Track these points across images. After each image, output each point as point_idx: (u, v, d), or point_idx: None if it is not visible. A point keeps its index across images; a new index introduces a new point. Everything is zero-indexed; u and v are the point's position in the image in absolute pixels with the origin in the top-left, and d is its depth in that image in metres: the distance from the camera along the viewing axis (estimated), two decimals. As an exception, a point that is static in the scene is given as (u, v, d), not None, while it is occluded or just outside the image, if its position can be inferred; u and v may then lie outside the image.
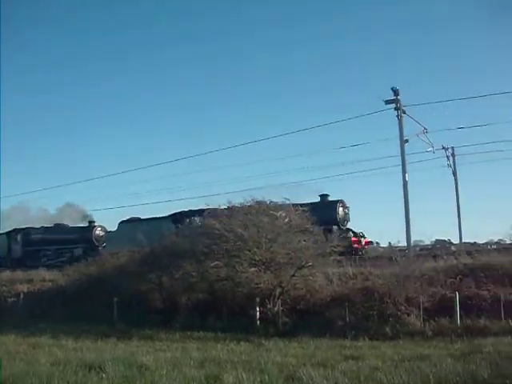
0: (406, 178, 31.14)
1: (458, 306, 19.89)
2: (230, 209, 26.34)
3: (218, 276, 24.07)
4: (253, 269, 23.14)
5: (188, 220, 39.26)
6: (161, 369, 13.75)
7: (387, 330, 19.80)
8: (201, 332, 21.84)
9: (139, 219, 46.89)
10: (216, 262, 23.70)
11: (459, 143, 51.82)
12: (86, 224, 52.77)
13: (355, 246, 36.82)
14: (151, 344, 19.85)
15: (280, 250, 23.44)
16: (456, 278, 22.02)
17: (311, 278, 23.42)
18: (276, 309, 22.52)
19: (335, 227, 36.11)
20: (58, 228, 53.81)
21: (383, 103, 31.26)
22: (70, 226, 54.97)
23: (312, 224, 24.61)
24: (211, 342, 19.89)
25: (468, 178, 77.02)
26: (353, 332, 19.90)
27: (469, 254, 25.56)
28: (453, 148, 44.28)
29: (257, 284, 22.68)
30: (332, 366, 13.69)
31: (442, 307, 20.49)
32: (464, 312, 19.88)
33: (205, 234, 25.38)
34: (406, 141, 31.18)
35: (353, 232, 38.45)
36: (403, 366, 13.55)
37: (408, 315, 20.40)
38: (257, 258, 23.35)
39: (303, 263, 23.36)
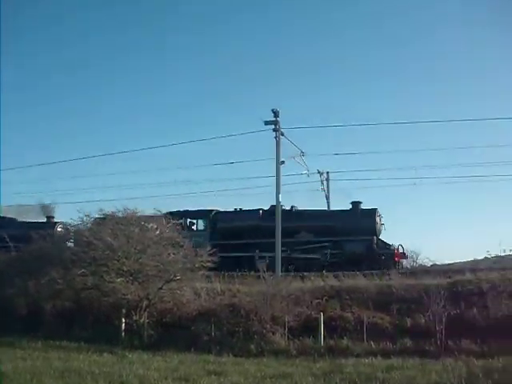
0: (280, 199, 31.51)
1: (322, 326, 20.30)
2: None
3: (85, 284, 23.56)
4: (120, 279, 22.77)
5: (187, 221, 37.53)
6: (19, 378, 13.33)
7: (252, 347, 19.94)
8: (65, 341, 21.24)
9: None
10: (83, 270, 23.18)
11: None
12: (43, 219, 45.47)
13: (396, 259, 34.08)
14: (12, 352, 19.05)
15: (149, 261, 23.18)
16: (322, 299, 22.52)
17: (179, 291, 23.30)
18: (142, 321, 22.25)
19: (374, 238, 34.30)
20: (3, 222, 44.68)
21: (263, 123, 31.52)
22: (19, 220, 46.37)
23: (183, 237, 24.46)
24: (74, 352, 19.35)
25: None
26: (218, 347, 19.96)
27: (336, 276, 26.05)
28: (327, 173, 45.39)
29: (124, 295, 22.31)
30: (194, 381, 13.68)
31: (307, 327, 20.86)
32: (328, 333, 20.34)
33: (73, 241, 24.81)
34: (283, 162, 31.60)
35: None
36: (265, 383, 13.68)
37: (273, 333, 20.62)
38: (125, 269, 23.00)
39: (171, 276, 23.21)
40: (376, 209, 35.21)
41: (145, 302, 22.67)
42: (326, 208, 44.31)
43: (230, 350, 19.57)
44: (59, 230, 42.07)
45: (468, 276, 23.87)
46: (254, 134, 33.92)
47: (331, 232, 33.97)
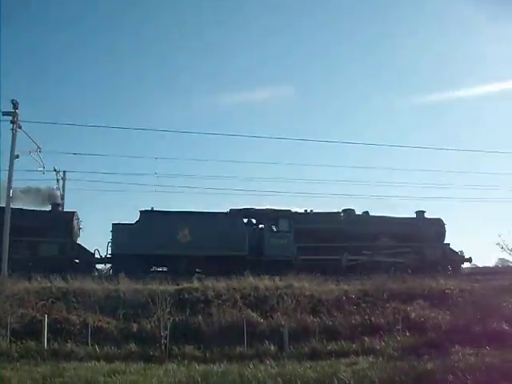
0: (11, 194, 30.48)
1: (46, 329, 20.04)
2: None
3: None
4: None
5: (268, 222, 36.21)
6: None
7: (-30, 350, 19.11)
8: None
9: (181, 212, 35.75)
10: None
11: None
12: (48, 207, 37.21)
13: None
14: None
15: None
16: (47, 301, 22.19)
17: None
18: None
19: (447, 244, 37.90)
20: None
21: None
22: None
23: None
24: None
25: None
26: None
27: (64, 279, 25.57)
28: (64, 172, 44.52)
29: None
30: None
31: (31, 329, 20.45)
32: (53, 335, 20.15)
33: None
34: (17, 156, 30.69)
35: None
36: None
37: (-4, 336, 19.95)
38: None
39: None
40: (440, 218, 38.64)
41: None
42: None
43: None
44: (76, 222, 35.88)
45: (195, 284, 24.77)
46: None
47: (409, 238, 36.42)
